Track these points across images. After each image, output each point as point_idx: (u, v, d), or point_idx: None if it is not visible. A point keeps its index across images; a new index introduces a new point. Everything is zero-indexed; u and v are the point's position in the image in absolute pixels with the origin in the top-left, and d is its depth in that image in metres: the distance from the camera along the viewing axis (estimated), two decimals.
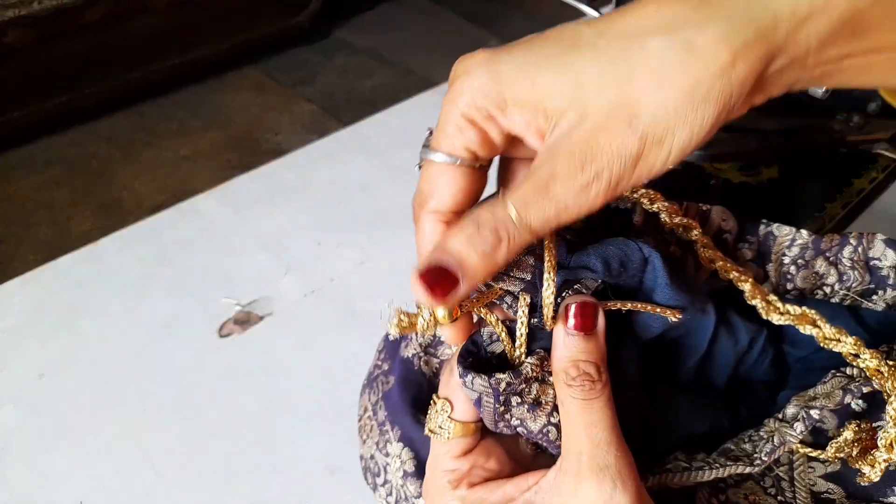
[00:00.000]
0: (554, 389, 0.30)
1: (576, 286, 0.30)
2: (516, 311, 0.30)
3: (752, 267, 0.38)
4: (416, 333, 0.38)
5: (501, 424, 0.30)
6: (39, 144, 1.05)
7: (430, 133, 0.31)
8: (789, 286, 0.38)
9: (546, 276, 0.29)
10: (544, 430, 0.30)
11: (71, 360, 0.64)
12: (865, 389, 0.31)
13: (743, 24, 0.24)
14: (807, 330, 0.31)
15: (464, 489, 0.31)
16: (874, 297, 0.36)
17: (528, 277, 0.30)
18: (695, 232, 0.35)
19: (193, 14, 1.16)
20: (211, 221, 0.80)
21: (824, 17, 0.24)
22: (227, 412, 0.59)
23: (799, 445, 0.33)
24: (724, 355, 0.36)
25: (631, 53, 0.25)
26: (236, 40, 1.22)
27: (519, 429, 0.31)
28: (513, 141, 0.30)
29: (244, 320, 0.67)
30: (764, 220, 0.39)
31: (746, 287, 0.33)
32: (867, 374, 0.31)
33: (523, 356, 0.30)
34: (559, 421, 0.30)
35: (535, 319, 0.30)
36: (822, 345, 0.32)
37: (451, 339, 0.31)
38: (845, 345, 0.31)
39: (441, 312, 0.28)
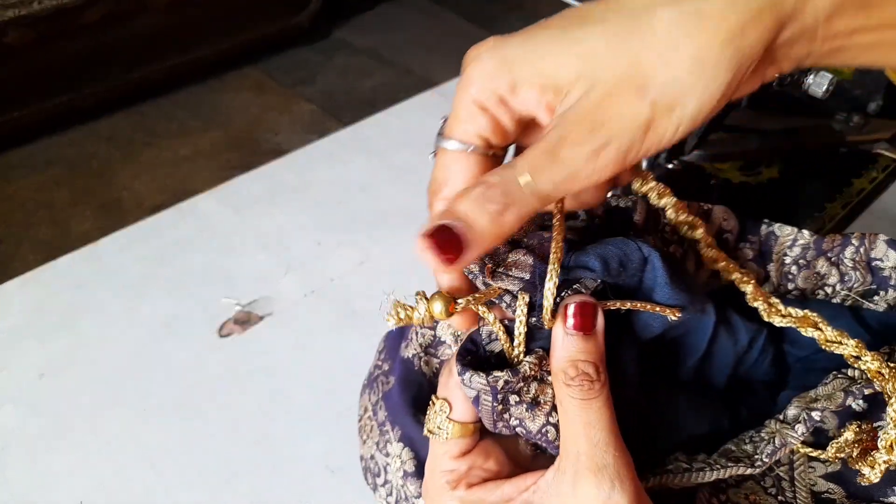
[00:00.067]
0: (553, 389, 0.30)
1: (575, 286, 0.30)
2: (515, 311, 0.30)
3: (752, 267, 0.38)
4: (416, 327, 0.38)
5: (500, 424, 0.30)
6: (39, 144, 1.05)
7: (445, 121, 0.31)
8: (790, 286, 0.38)
9: (551, 267, 0.29)
10: (543, 430, 0.30)
11: (71, 360, 0.64)
12: (867, 391, 0.31)
13: None
14: (809, 332, 0.31)
15: (462, 489, 0.31)
16: (875, 297, 0.36)
17: (528, 277, 0.30)
18: (699, 230, 0.35)
19: (193, 14, 1.16)
20: (211, 221, 0.80)
21: None
22: (227, 412, 0.59)
23: (799, 445, 0.33)
24: (724, 355, 0.36)
25: (639, 24, 0.25)
26: (236, 40, 1.22)
27: (518, 429, 0.30)
28: (526, 127, 0.30)
29: (244, 320, 0.67)
30: (766, 220, 0.39)
31: (749, 289, 0.33)
32: (868, 375, 0.31)
33: (522, 355, 0.30)
34: (558, 421, 0.29)
35: (534, 319, 0.30)
36: (823, 347, 0.31)
37: (459, 325, 0.31)
38: (847, 347, 0.31)
39: (438, 308, 0.28)
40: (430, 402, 0.32)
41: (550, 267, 0.29)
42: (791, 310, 0.32)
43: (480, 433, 0.32)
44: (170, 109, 1.14)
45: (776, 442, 0.30)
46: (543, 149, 0.26)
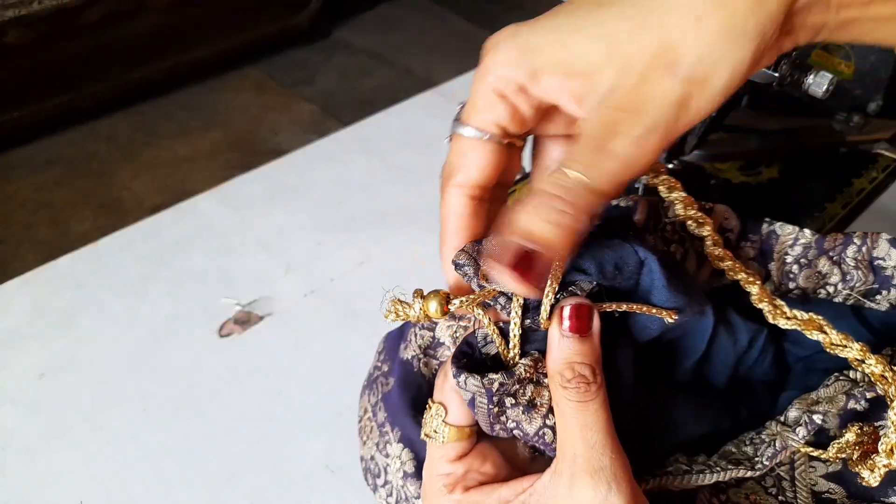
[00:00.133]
0: (549, 391, 0.30)
1: (570, 288, 0.30)
2: (509, 313, 0.30)
3: (753, 266, 0.38)
4: (416, 329, 0.38)
5: (497, 427, 0.30)
6: (39, 144, 1.05)
7: (462, 107, 0.31)
8: (791, 285, 0.38)
9: (554, 266, 0.29)
10: (540, 433, 0.30)
11: (71, 360, 0.64)
12: (869, 395, 0.30)
13: None
14: (814, 335, 0.31)
15: (459, 493, 0.31)
16: (878, 296, 0.36)
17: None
18: (707, 227, 0.34)
19: (193, 14, 1.16)
20: (211, 221, 0.80)
21: None
22: (227, 412, 0.59)
23: (800, 446, 0.33)
24: (724, 355, 0.36)
25: (662, 1, 0.25)
26: (236, 40, 1.22)
27: (515, 431, 0.30)
28: (544, 115, 0.30)
29: (244, 320, 0.67)
30: (767, 219, 0.39)
31: (754, 290, 0.33)
32: (871, 378, 0.31)
33: (517, 357, 0.30)
34: (555, 423, 0.29)
35: (528, 320, 0.30)
36: (828, 350, 0.31)
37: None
38: (851, 350, 0.30)
39: (433, 307, 0.29)
40: (427, 406, 0.32)
41: (553, 265, 0.29)
42: (796, 312, 0.32)
43: (477, 436, 0.32)
44: (170, 109, 1.14)
45: (777, 445, 0.30)
46: (590, 145, 0.26)
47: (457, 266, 0.31)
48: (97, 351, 0.65)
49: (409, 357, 0.38)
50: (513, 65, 0.28)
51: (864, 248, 0.36)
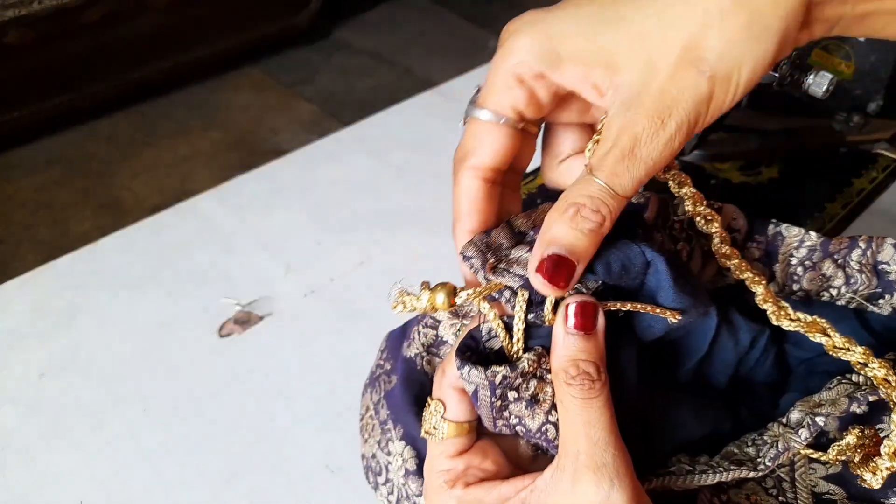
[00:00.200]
0: (552, 388, 0.30)
1: (576, 286, 0.30)
2: (514, 307, 0.30)
3: (758, 266, 0.38)
4: (419, 327, 0.38)
5: (500, 423, 0.30)
6: (39, 144, 1.05)
7: (478, 90, 0.31)
8: (795, 287, 0.38)
9: None
10: (543, 429, 0.30)
11: (71, 360, 0.64)
12: (871, 398, 0.30)
13: None
14: (816, 338, 0.31)
15: (459, 489, 0.31)
16: (881, 301, 0.36)
17: (527, 274, 0.30)
18: (716, 224, 0.34)
19: (193, 14, 1.16)
20: (211, 221, 0.80)
21: None
22: (227, 412, 0.59)
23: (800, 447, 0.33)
24: (725, 355, 0.36)
25: None
26: (236, 40, 1.22)
27: (518, 427, 0.30)
28: (560, 102, 0.30)
29: (244, 320, 0.67)
30: (773, 220, 0.39)
31: (759, 290, 0.33)
32: (874, 382, 0.31)
33: (521, 352, 0.30)
34: (557, 419, 0.29)
35: (532, 315, 0.30)
36: (830, 353, 0.31)
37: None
38: (854, 354, 0.30)
39: (440, 299, 0.29)
40: (426, 404, 0.32)
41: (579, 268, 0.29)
42: (800, 314, 0.32)
43: (479, 434, 0.32)
44: (170, 109, 1.14)
45: (779, 446, 0.30)
46: (621, 153, 0.27)
47: (464, 258, 0.31)
48: (97, 351, 0.65)
49: (412, 355, 0.38)
50: (534, 51, 0.28)
51: (868, 252, 0.36)
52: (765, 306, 0.32)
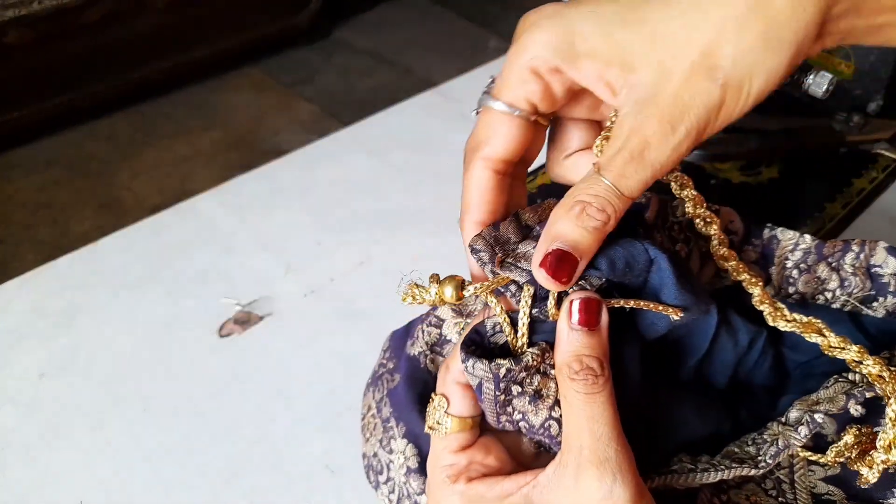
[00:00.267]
0: (556, 383, 0.30)
1: (580, 282, 0.30)
2: (519, 301, 0.30)
3: (755, 269, 0.39)
4: (423, 325, 0.38)
5: (503, 418, 0.31)
6: (39, 144, 1.05)
7: (492, 81, 0.31)
8: (791, 290, 0.38)
9: None
10: (546, 425, 0.30)
11: (71, 360, 0.64)
12: (868, 395, 0.31)
13: None
14: (812, 338, 0.32)
15: (462, 484, 0.31)
16: (874, 303, 0.36)
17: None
18: (714, 227, 0.35)
19: (193, 14, 1.16)
20: (211, 221, 0.80)
21: None
22: (227, 412, 0.59)
23: (799, 449, 0.33)
24: (724, 355, 0.36)
25: (705, 3, 0.26)
26: (236, 40, 1.22)
27: (521, 423, 0.31)
28: (571, 98, 0.31)
29: (244, 320, 0.67)
30: (769, 224, 0.39)
31: (756, 291, 0.33)
32: (869, 379, 0.31)
33: (525, 347, 0.30)
34: (560, 416, 0.30)
35: (536, 310, 0.30)
36: (826, 353, 0.32)
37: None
38: (850, 352, 0.31)
39: (448, 291, 0.30)
40: (430, 399, 0.33)
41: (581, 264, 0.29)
42: (796, 315, 0.32)
43: (482, 431, 0.33)
44: (170, 109, 1.14)
45: (779, 444, 0.30)
46: (630, 156, 0.27)
47: (473, 251, 0.31)
48: (97, 351, 0.65)
49: (416, 353, 0.38)
50: (552, 46, 0.28)
51: (861, 256, 0.37)
52: (761, 307, 0.33)
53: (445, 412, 0.32)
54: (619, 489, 0.27)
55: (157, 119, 1.11)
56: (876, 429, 0.32)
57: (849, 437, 0.31)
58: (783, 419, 0.32)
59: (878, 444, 0.30)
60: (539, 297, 0.30)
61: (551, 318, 0.30)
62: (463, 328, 0.36)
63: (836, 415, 0.32)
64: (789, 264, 0.38)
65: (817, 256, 0.38)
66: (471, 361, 0.29)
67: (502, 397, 0.30)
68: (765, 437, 0.32)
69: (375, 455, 0.39)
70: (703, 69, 0.26)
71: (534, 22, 0.29)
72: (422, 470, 0.36)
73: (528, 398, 0.30)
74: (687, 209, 0.35)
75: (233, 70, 1.23)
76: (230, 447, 0.57)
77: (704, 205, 0.35)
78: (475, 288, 0.30)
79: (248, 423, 0.58)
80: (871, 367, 0.30)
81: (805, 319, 0.32)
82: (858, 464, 0.31)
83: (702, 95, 0.26)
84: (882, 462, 0.30)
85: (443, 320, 0.38)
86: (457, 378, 0.32)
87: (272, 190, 0.84)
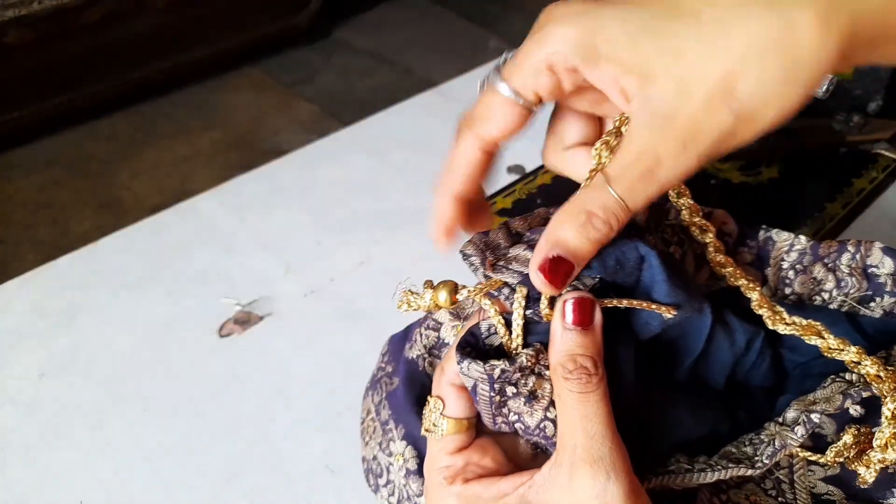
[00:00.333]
0: (550, 384, 0.30)
1: (573, 282, 0.30)
2: (513, 303, 0.30)
3: (751, 270, 0.39)
4: (421, 329, 0.38)
5: (499, 420, 0.31)
6: (39, 144, 1.05)
7: (505, 59, 0.31)
8: (787, 290, 0.38)
9: None
10: (541, 426, 0.30)
11: (71, 360, 0.64)
12: (865, 394, 0.31)
13: (840, 1, 0.25)
14: (812, 340, 0.32)
15: (459, 485, 0.31)
16: (871, 303, 0.36)
17: (526, 271, 0.30)
18: (710, 235, 0.35)
19: (193, 14, 1.16)
20: (211, 221, 0.80)
21: None
22: (227, 412, 0.59)
23: (799, 450, 0.33)
24: (721, 356, 0.36)
25: (732, 27, 0.26)
26: (236, 40, 1.22)
27: (516, 424, 0.31)
28: (578, 90, 0.31)
29: (244, 320, 0.67)
30: (764, 226, 0.39)
31: (754, 296, 0.33)
32: (867, 379, 0.31)
33: (520, 348, 0.31)
34: (556, 416, 0.30)
35: (530, 311, 0.30)
36: (825, 354, 0.32)
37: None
38: (849, 353, 0.31)
39: (443, 296, 0.31)
40: (426, 402, 0.33)
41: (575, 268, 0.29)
42: (795, 318, 0.32)
43: (479, 433, 0.33)
44: (170, 109, 1.14)
45: (776, 443, 0.30)
46: (640, 173, 0.28)
47: (464, 256, 0.32)
48: (97, 351, 0.65)
49: (415, 356, 0.38)
50: (575, 43, 0.28)
51: (857, 256, 0.37)
52: (760, 311, 0.33)
53: (441, 414, 0.32)
54: (612, 487, 0.27)
55: (157, 119, 1.12)
56: (874, 429, 0.32)
57: (847, 437, 0.31)
58: (780, 419, 0.32)
59: (875, 442, 0.30)
60: (532, 298, 0.30)
61: (545, 319, 0.30)
62: (459, 331, 0.37)
63: (836, 415, 0.32)
64: (785, 265, 0.38)
65: (813, 257, 0.38)
66: (466, 362, 0.29)
67: (497, 398, 0.30)
68: (762, 437, 0.32)
69: (375, 458, 0.39)
70: (721, 96, 0.26)
71: (561, 15, 0.28)
72: (421, 472, 0.36)
73: (523, 399, 0.30)
74: (682, 217, 0.35)
75: (233, 70, 1.23)
76: (230, 447, 0.57)
77: (700, 213, 0.36)
78: (469, 291, 0.31)
79: (248, 423, 0.58)
80: (870, 367, 0.31)
81: (804, 322, 0.32)
82: (856, 463, 0.31)
83: (716, 122, 0.27)
84: (879, 461, 0.30)
85: (441, 324, 0.38)
86: (452, 380, 0.32)
87: (272, 190, 0.84)
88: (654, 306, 0.31)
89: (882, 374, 0.30)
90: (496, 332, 0.31)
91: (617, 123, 0.29)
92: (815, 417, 0.30)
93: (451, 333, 0.37)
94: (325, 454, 0.56)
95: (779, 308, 0.33)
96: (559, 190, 0.65)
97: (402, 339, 0.41)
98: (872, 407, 0.32)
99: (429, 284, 0.31)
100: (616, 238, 0.31)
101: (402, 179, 0.85)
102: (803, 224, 0.60)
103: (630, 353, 0.32)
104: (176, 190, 0.94)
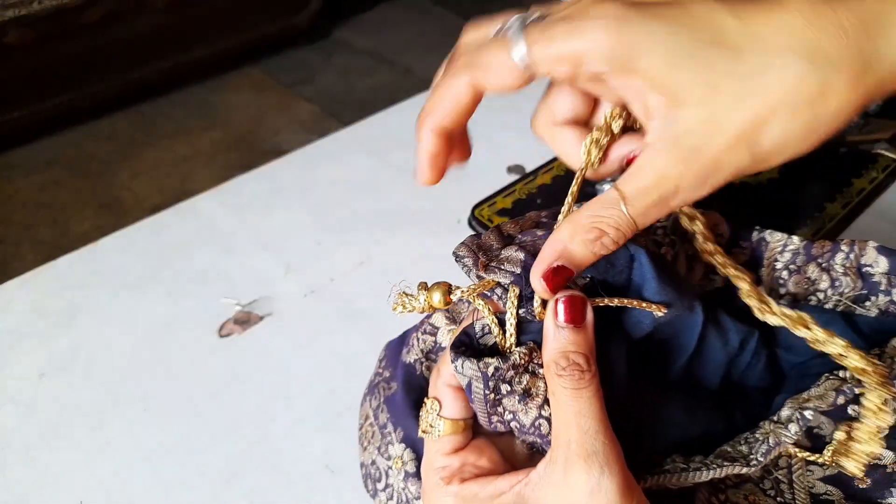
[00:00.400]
0: (544, 383, 0.31)
1: None
2: (506, 303, 0.31)
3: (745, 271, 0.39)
4: (418, 334, 0.38)
5: (495, 419, 0.31)
6: (39, 144, 1.05)
7: (531, 19, 0.29)
8: (782, 291, 0.38)
9: None
10: (536, 424, 0.31)
11: (71, 360, 0.65)
12: (857, 391, 0.31)
13: (874, 64, 0.26)
14: (800, 332, 0.32)
15: (456, 485, 0.32)
16: (867, 303, 0.36)
17: (518, 271, 0.31)
18: (698, 223, 0.35)
19: (193, 14, 1.16)
20: (211, 221, 0.80)
21: None
22: (226, 412, 0.59)
23: (797, 450, 0.33)
24: (714, 355, 0.36)
25: (770, 72, 0.26)
26: (236, 40, 1.23)
27: (512, 423, 0.31)
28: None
29: (244, 320, 0.67)
30: (757, 227, 0.39)
31: (743, 285, 0.33)
32: (854, 374, 0.31)
33: (514, 346, 0.31)
34: (550, 414, 0.30)
35: (523, 310, 0.31)
36: (812, 347, 0.32)
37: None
38: (835, 346, 0.31)
39: (437, 297, 0.31)
40: (423, 403, 0.33)
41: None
42: (784, 309, 0.32)
43: (475, 434, 0.33)
44: (170, 109, 1.14)
45: (770, 441, 0.31)
46: (657, 199, 0.28)
47: (457, 258, 0.32)
48: (97, 351, 0.65)
49: (412, 361, 0.38)
50: (609, 54, 0.27)
51: (851, 256, 0.37)
52: (749, 301, 0.33)
53: (438, 415, 0.32)
54: (606, 481, 0.28)
55: (157, 119, 1.12)
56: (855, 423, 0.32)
57: (840, 434, 0.31)
58: (775, 418, 0.32)
59: (858, 434, 0.31)
60: (525, 297, 0.31)
61: (538, 318, 0.31)
62: (454, 333, 0.37)
63: (833, 415, 0.32)
64: (779, 265, 0.38)
65: (806, 257, 0.38)
66: (460, 361, 0.30)
67: (492, 396, 0.30)
68: (757, 435, 0.32)
69: (374, 462, 0.39)
70: (746, 139, 0.27)
71: (604, 16, 0.27)
72: (420, 474, 0.36)
73: (517, 397, 0.30)
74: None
75: (233, 70, 1.23)
76: (230, 447, 0.57)
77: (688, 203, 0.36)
78: (462, 291, 0.31)
79: (248, 423, 0.59)
80: (857, 361, 0.31)
81: (793, 313, 0.32)
82: (843, 459, 0.31)
83: (735, 161, 0.27)
84: (865, 454, 0.30)
85: (437, 328, 0.38)
86: (447, 381, 0.33)
87: (272, 190, 0.84)
88: (644, 305, 0.31)
89: (868, 367, 0.30)
90: (490, 332, 0.31)
91: (609, 118, 0.29)
92: (808, 414, 0.30)
93: (448, 338, 0.37)
94: (325, 454, 0.56)
95: (767, 298, 0.33)
96: (559, 190, 0.65)
97: (398, 344, 0.41)
98: None
99: (423, 286, 0.32)
100: None
101: (402, 179, 0.85)
102: (803, 224, 0.60)
103: (622, 352, 0.33)
104: (176, 190, 0.94)
